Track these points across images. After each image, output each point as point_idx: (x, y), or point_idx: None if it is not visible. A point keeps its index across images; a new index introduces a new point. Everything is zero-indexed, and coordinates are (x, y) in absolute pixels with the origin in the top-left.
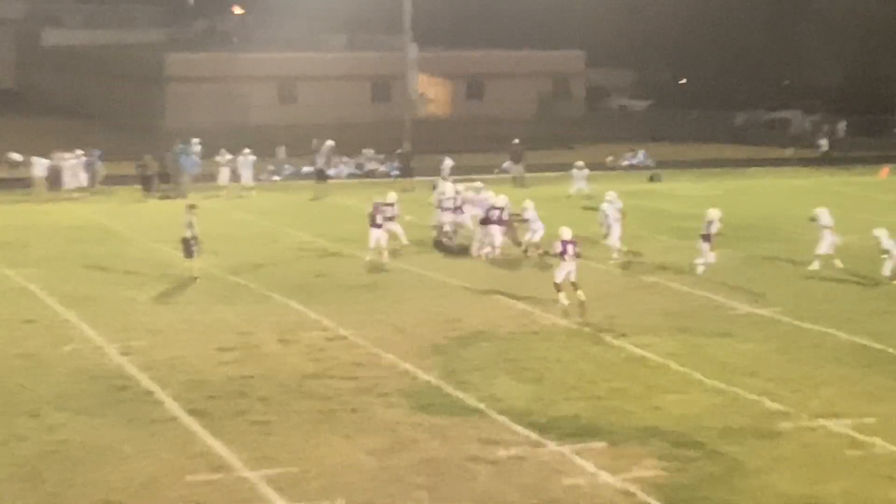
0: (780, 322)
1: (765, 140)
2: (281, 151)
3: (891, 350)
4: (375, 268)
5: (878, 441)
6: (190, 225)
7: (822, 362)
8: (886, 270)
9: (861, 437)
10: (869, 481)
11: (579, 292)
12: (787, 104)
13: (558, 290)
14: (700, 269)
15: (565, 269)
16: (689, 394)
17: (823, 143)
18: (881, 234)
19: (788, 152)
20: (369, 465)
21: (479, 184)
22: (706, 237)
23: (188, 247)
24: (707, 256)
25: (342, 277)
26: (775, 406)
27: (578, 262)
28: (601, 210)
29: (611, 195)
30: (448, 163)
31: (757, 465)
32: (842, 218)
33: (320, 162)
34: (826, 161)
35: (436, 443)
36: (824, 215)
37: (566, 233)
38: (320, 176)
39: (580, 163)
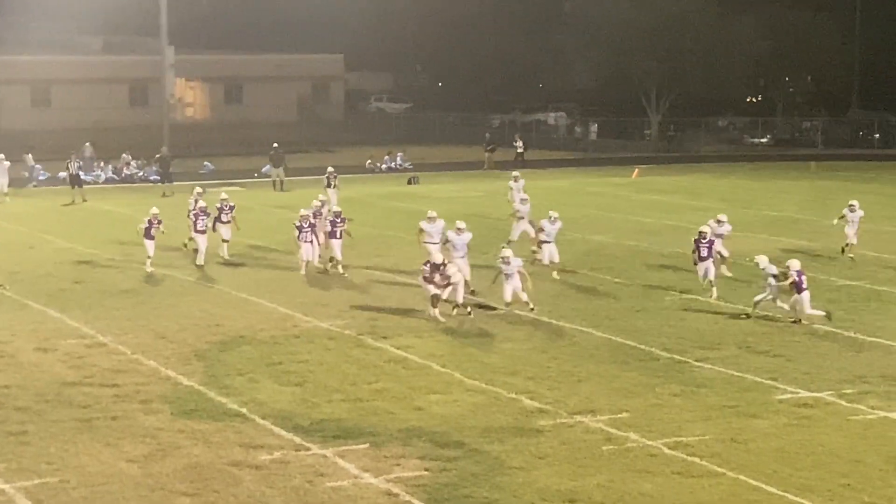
0: (540, 321)
1: (524, 142)
2: (28, 158)
3: (643, 347)
4: (146, 276)
5: (632, 435)
6: None
7: (579, 360)
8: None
9: (616, 432)
10: (624, 475)
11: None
12: (543, 107)
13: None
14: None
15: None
16: (450, 394)
17: (519, 144)
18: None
19: (489, 156)
20: (131, 473)
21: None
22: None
23: None
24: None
25: (101, 284)
26: (535, 404)
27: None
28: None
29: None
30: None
31: (518, 463)
32: (598, 217)
33: (74, 167)
34: (520, 163)
35: (199, 448)
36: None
37: (437, 257)
38: (74, 181)
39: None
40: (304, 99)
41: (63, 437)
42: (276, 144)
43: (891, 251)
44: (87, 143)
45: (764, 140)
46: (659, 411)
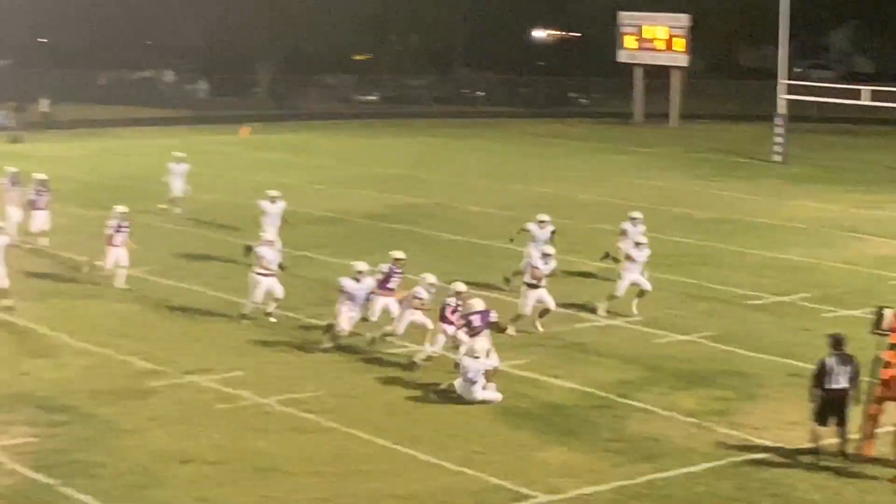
0: (150, 281)
1: (132, 99)
2: None
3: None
4: None
5: (245, 393)
6: None
7: (191, 320)
8: None
9: (230, 391)
10: (238, 433)
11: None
12: (152, 63)
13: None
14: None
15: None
16: (59, 358)
17: (44, 102)
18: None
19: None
20: None
21: None
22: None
23: None
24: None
25: None
26: (147, 365)
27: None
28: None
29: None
30: None
31: (130, 425)
32: (210, 176)
33: None
34: (46, 123)
35: None
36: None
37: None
38: None
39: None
40: None
41: None
42: None
43: (497, 205)
44: None
45: (372, 98)
46: (272, 369)
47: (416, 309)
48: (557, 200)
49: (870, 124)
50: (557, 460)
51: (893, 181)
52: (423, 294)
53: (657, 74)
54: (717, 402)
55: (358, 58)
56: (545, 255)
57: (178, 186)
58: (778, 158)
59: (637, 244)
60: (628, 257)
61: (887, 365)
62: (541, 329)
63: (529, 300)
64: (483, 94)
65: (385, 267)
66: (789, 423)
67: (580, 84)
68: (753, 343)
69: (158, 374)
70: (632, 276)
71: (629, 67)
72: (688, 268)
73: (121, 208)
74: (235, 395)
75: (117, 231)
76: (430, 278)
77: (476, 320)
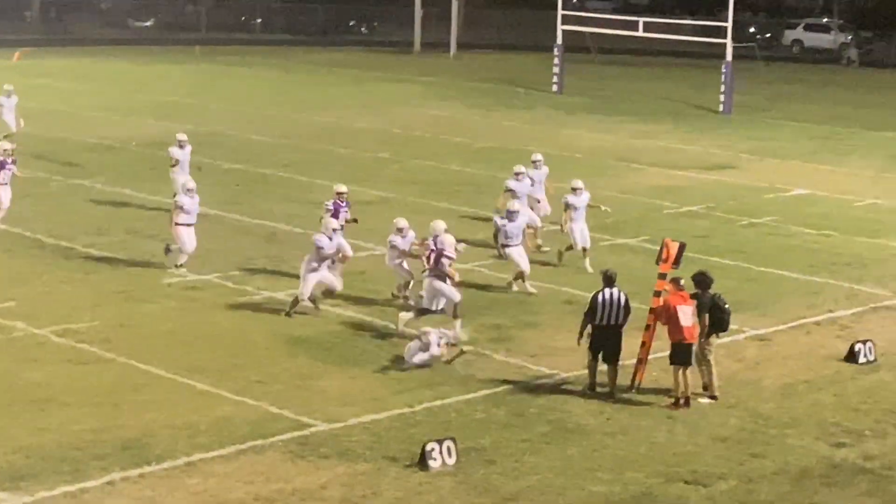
0: None
1: None
2: None
3: (29, 234)
4: None
5: (19, 324)
6: None
7: None
8: None
9: (3, 322)
10: (12, 364)
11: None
12: None
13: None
14: None
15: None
16: None
17: None
18: None
19: None
20: None
21: None
22: None
23: None
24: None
25: None
26: None
27: None
28: None
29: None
30: None
31: None
32: None
33: None
34: None
35: None
36: None
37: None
38: None
39: None
40: None
41: None
42: None
43: (276, 134)
44: None
45: (148, 23)
46: (47, 299)
47: (400, 257)
48: (337, 129)
49: (645, 55)
50: (338, 389)
51: (668, 112)
52: (397, 240)
53: (439, 3)
54: (494, 329)
55: None
56: (510, 213)
57: (11, 121)
58: (555, 89)
59: (574, 189)
60: (568, 206)
61: (657, 294)
62: (516, 288)
63: (515, 258)
64: (261, 20)
65: (329, 203)
66: (564, 349)
67: (361, 13)
68: (530, 271)
69: None
70: (578, 224)
71: None
72: (466, 196)
73: (5, 144)
74: (8, 326)
75: (1, 168)
76: (401, 222)
77: (433, 256)
